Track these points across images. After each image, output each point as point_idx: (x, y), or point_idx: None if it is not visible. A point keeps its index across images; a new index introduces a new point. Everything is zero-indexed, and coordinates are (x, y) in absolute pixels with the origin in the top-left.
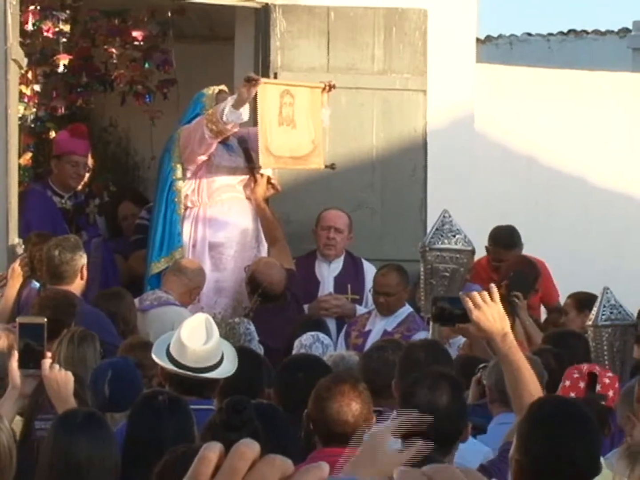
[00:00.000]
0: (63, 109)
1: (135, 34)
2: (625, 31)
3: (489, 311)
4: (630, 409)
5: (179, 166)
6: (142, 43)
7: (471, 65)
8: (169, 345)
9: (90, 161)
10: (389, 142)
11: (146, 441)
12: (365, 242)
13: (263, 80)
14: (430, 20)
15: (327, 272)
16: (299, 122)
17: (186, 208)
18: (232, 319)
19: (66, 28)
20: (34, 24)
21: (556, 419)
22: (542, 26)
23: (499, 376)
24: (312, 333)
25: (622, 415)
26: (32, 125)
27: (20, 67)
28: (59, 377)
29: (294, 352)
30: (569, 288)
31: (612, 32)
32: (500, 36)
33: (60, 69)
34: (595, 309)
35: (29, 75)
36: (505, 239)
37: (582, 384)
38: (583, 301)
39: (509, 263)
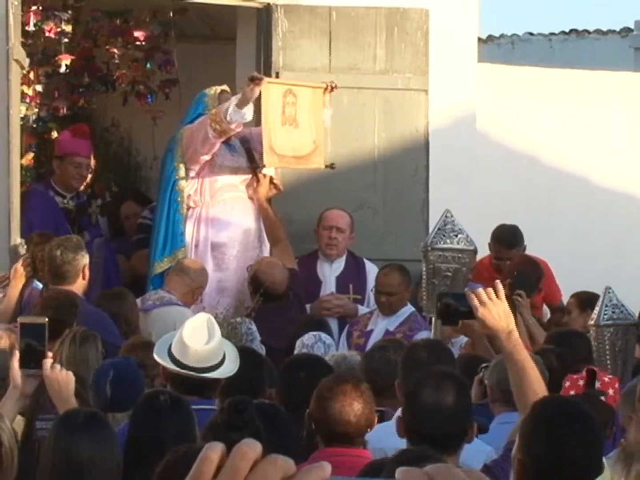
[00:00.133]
0: (65, 109)
1: (137, 34)
2: (627, 31)
3: (495, 309)
4: (632, 409)
5: (181, 166)
6: (143, 43)
7: (473, 64)
8: (170, 345)
9: (92, 162)
10: (390, 141)
11: (148, 441)
12: (367, 242)
13: (266, 79)
14: (432, 20)
15: (329, 272)
16: (301, 121)
17: (189, 208)
18: (234, 318)
19: (68, 28)
20: (35, 24)
21: (559, 419)
22: (544, 26)
23: (501, 375)
24: (314, 333)
25: (624, 415)
26: (34, 126)
27: (22, 68)
28: (60, 377)
29: (295, 352)
30: (570, 288)
31: (614, 31)
32: (502, 36)
33: (62, 69)
34: (597, 308)
35: (31, 75)
36: (507, 238)
37: (581, 382)
38: (586, 301)
39: (512, 263)
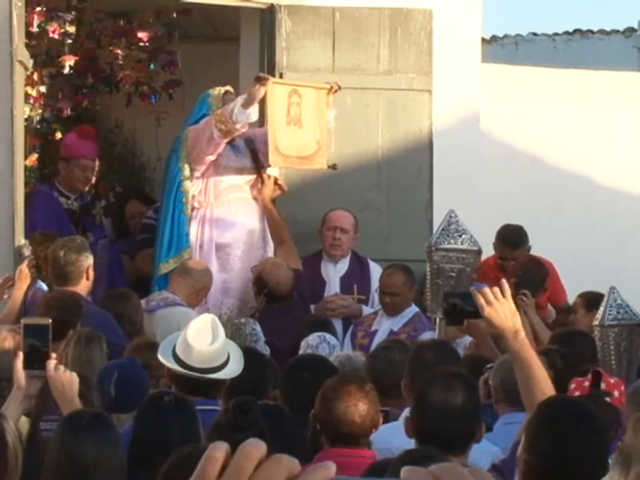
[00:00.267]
0: (69, 110)
1: (140, 35)
2: (630, 31)
3: (501, 308)
4: (638, 409)
5: (186, 166)
6: (147, 44)
7: (476, 65)
8: (175, 346)
9: (97, 163)
10: (394, 142)
11: (152, 442)
12: (371, 242)
13: (272, 79)
14: (436, 21)
15: (333, 273)
16: (305, 122)
17: (193, 209)
18: (238, 319)
19: (72, 29)
20: (39, 25)
21: (564, 419)
22: (547, 26)
23: (504, 376)
24: (319, 333)
25: (629, 416)
26: (38, 127)
27: (26, 69)
28: (64, 378)
29: (300, 352)
30: (573, 288)
31: (617, 31)
32: (505, 36)
33: (66, 70)
34: (601, 308)
35: (35, 76)
36: (511, 238)
37: (586, 384)
38: (592, 301)
39: (517, 263)
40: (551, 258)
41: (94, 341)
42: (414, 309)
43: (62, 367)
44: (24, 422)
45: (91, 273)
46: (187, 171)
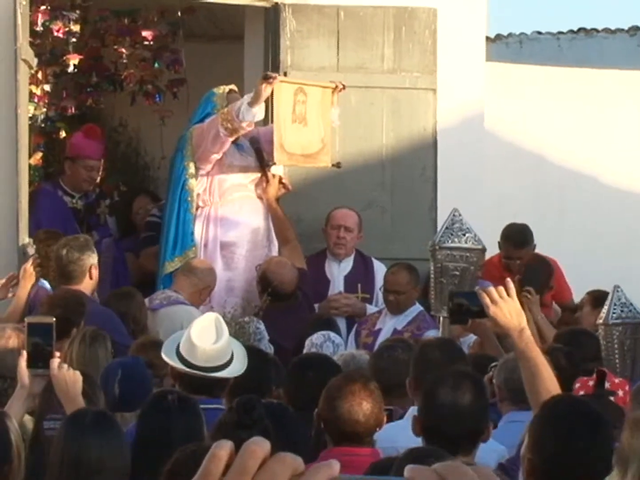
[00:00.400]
0: (73, 109)
1: (145, 33)
2: (635, 29)
3: (506, 307)
4: None
5: (191, 165)
6: (151, 43)
7: (481, 63)
8: (178, 345)
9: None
10: (398, 141)
11: (156, 441)
12: (375, 241)
13: (279, 78)
14: (440, 19)
15: (337, 271)
16: (310, 120)
17: (197, 207)
18: (242, 318)
19: (76, 28)
20: (43, 24)
21: (569, 418)
22: (552, 24)
23: (508, 375)
24: (323, 332)
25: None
26: (43, 125)
27: (30, 67)
28: (68, 376)
29: (304, 351)
30: (579, 287)
31: (622, 30)
32: (510, 35)
33: (70, 69)
34: (605, 307)
35: (39, 75)
36: (517, 237)
37: (591, 383)
38: (600, 299)
39: (522, 262)
40: (557, 257)
41: (98, 340)
42: (417, 307)
43: (65, 366)
44: (28, 421)
45: (95, 272)
46: (192, 170)
